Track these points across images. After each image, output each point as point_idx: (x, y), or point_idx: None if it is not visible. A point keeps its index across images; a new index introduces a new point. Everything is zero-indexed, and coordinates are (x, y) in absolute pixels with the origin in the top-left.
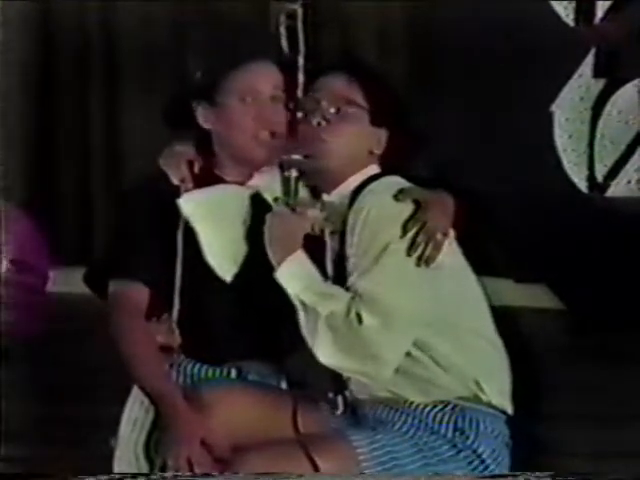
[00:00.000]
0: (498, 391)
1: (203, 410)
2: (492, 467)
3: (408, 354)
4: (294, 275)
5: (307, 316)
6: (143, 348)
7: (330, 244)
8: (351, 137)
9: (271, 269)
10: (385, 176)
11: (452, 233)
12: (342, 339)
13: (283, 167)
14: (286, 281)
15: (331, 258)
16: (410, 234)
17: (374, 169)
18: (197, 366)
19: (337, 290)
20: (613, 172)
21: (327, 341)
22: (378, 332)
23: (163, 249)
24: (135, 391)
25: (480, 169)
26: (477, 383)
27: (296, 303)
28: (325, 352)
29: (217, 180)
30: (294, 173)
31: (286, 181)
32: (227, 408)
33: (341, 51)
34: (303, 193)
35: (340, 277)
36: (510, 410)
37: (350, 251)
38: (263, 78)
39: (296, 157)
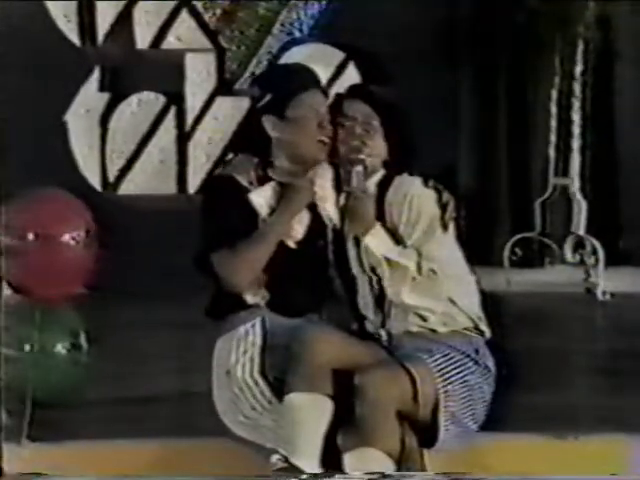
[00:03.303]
0: (487, 322)
1: (314, 344)
2: (494, 377)
3: None
4: (381, 241)
5: (393, 270)
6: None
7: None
8: (379, 143)
9: (319, 240)
10: (398, 175)
11: None
12: (424, 286)
13: (352, 164)
14: (375, 246)
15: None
16: (443, 211)
17: (382, 171)
18: (283, 318)
19: (408, 250)
20: (122, 173)
21: (413, 287)
22: (448, 279)
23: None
24: (221, 343)
25: None
26: (479, 317)
27: (381, 261)
28: (412, 296)
29: (269, 180)
30: (361, 168)
31: (358, 174)
32: (327, 342)
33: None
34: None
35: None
36: (488, 334)
37: (395, 221)
38: (320, 100)
39: (362, 157)
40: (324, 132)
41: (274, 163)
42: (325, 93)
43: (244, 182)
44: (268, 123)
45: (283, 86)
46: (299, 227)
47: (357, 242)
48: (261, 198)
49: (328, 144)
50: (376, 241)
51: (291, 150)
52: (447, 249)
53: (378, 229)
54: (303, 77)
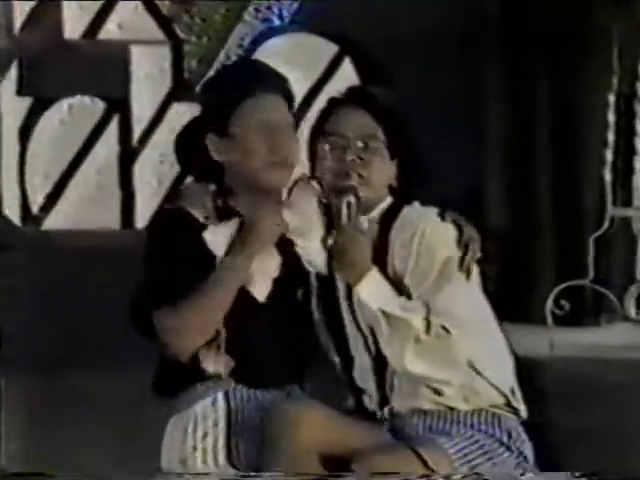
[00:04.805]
0: (522, 397)
1: (295, 423)
2: (533, 468)
3: None
4: (377, 290)
5: (393, 328)
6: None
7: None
8: (380, 171)
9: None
10: (407, 204)
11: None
12: (434, 349)
13: (341, 193)
14: (368, 297)
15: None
16: (464, 252)
17: (389, 200)
18: (253, 391)
19: (412, 303)
20: (49, 203)
21: (420, 351)
22: (469, 341)
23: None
24: (172, 425)
25: None
26: (512, 391)
27: (378, 316)
28: (419, 362)
29: (232, 212)
30: (353, 199)
31: (348, 206)
32: (312, 422)
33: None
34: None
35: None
36: (524, 414)
37: (400, 264)
38: (273, 107)
39: (353, 184)
40: (278, 151)
41: (234, 190)
42: (288, 98)
43: (200, 217)
44: (210, 143)
45: (226, 93)
46: (263, 272)
47: (350, 292)
48: (219, 237)
49: (290, 166)
50: (370, 290)
51: (241, 176)
52: (469, 301)
53: (374, 275)
54: (256, 79)
